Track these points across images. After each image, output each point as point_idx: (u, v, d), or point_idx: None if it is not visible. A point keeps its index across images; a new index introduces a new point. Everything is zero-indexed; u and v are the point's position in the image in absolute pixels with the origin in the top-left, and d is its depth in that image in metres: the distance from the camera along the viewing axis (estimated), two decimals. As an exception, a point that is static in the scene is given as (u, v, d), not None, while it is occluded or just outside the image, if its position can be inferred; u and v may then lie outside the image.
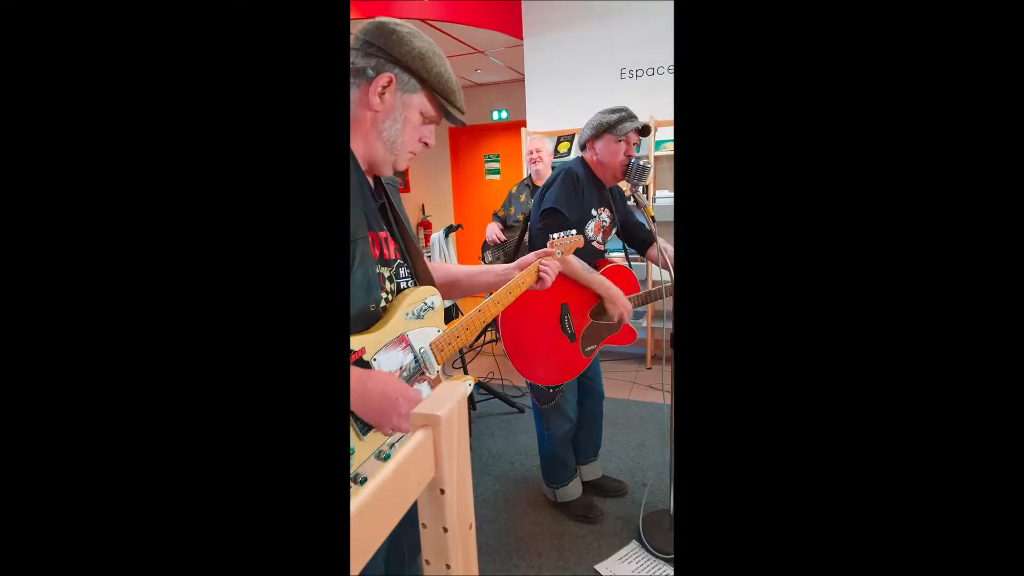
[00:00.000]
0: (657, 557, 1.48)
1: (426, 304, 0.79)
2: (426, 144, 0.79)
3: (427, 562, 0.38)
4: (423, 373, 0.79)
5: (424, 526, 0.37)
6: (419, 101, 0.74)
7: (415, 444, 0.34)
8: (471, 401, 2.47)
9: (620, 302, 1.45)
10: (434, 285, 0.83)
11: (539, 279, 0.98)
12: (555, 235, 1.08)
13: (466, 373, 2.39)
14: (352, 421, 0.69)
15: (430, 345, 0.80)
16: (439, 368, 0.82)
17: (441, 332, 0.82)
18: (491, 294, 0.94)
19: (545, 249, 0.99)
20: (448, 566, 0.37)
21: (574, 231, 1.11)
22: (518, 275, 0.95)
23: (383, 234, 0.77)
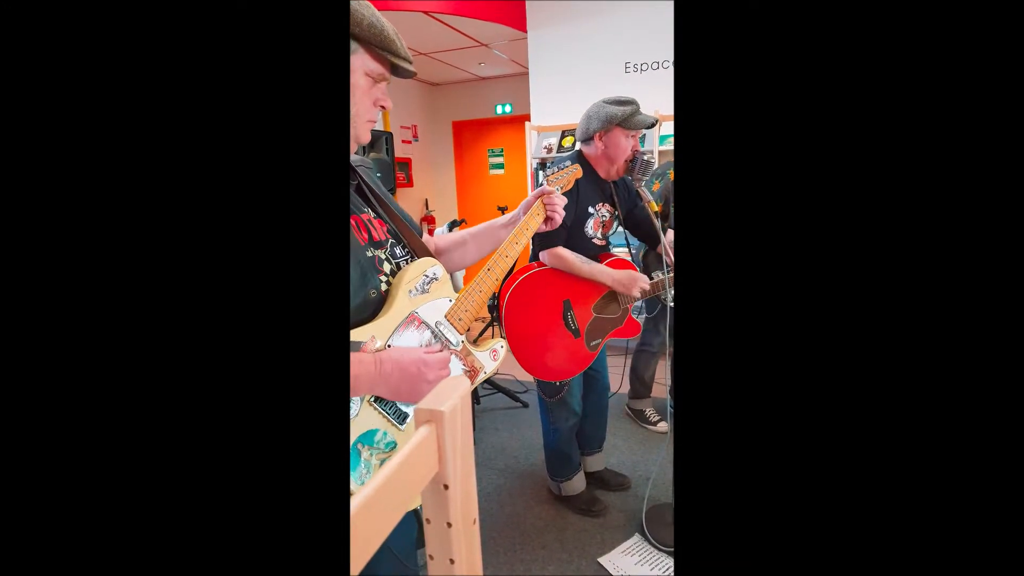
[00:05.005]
0: (660, 550, 1.49)
1: (428, 276, 0.77)
2: (383, 107, 0.73)
3: (431, 557, 0.38)
4: (446, 347, 0.77)
5: (428, 521, 0.37)
6: (360, 62, 0.68)
7: (418, 440, 0.34)
8: (475, 395, 2.48)
9: (627, 282, 1.44)
10: (432, 257, 0.80)
11: (547, 218, 0.90)
12: (550, 170, 1.03)
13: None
14: (386, 413, 0.68)
15: (445, 316, 0.78)
16: (462, 338, 0.80)
17: (453, 301, 0.79)
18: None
19: (543, 188, 0.92)
20: (452, 561, 0.38)
21: (569, 161, 1.05)
22: (522, 220, 0.88)
23: (366, 216, 0.75)
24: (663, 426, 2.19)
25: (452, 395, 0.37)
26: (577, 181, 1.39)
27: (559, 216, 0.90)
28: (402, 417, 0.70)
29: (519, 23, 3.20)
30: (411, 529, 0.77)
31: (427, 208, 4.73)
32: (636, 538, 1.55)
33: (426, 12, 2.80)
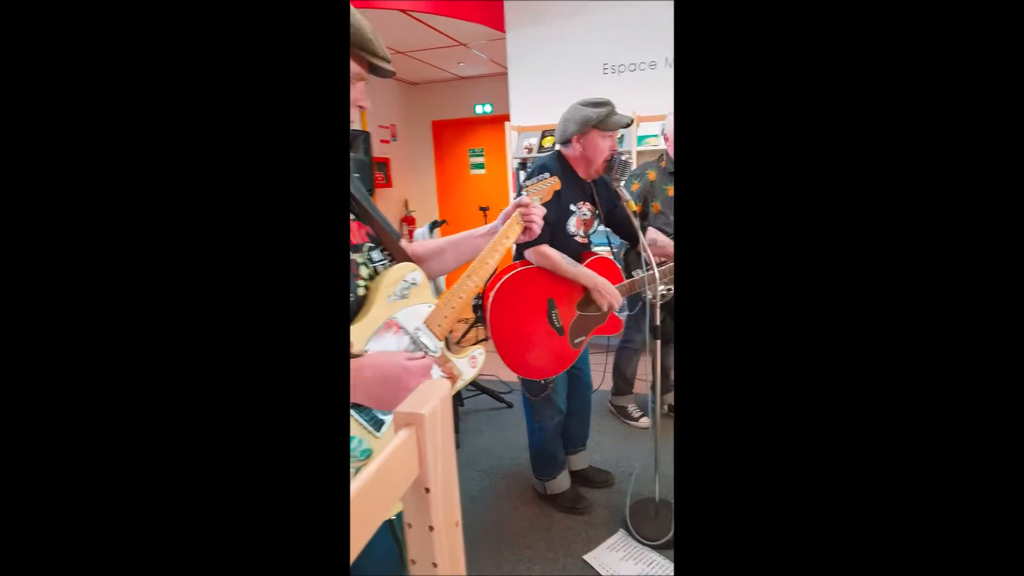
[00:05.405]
0: (644, 544, 1.50)
1: (407, 281, 0.76)
2: (361, 107, 0.72)
3: (413, 561, 0.38)
4: (424, 354, 0.77)
5: (409, 525, 0.37)
6: None
7: (398, 443, 0.33)
8: (459, 397, 2.47)
9: (606, 291, 1.46)
10: (411, 262, 0.79)
11: (525, 229, 0.90)
12: (529, 182, 1.04)
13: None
14: (361, 420, 0.67)
15: (424, 323, 0.77)
16: (442, 345, 0.79)
17: (432, 307, 0.79)
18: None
19: (520, 198, 0.92)
20: (435, 564, 0.37)
21: (547, 174, 1.07)
22: (502, 229, 0.88)
23: None
24: (645, 421, 2.22)
25: (432, 398, 0.36)
26: (558, 179, 1.40)
27: (537, 227, 0.91)
28: (379, 424, 0.69)
29: (497, 23, 3.19)
30: (389, 538, 0.76)
31: (407, 209, 4.69)
32: (620, 534, 1.56)
33: (404, 10, 2.77)
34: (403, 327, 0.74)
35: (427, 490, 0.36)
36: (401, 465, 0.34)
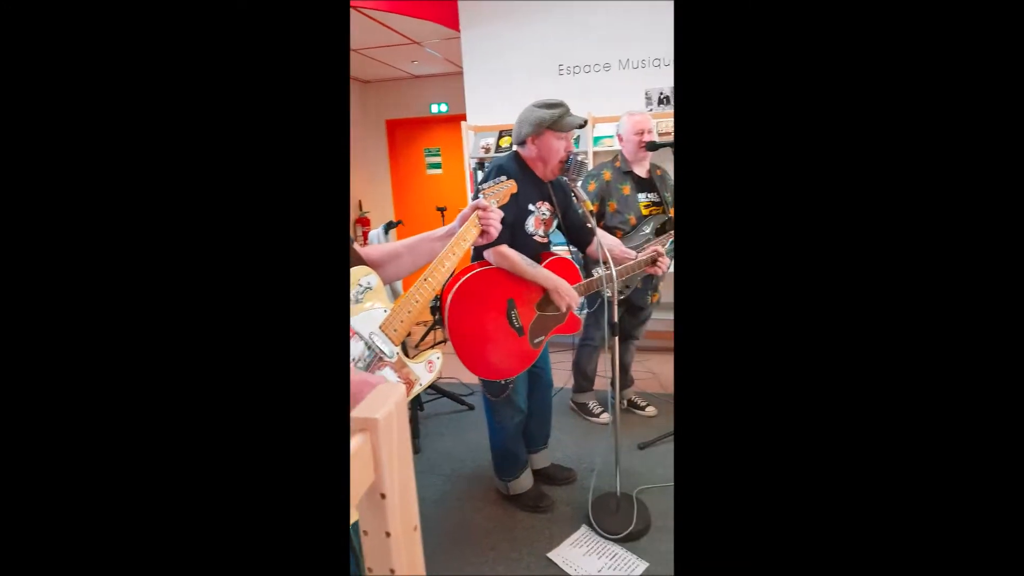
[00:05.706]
0: (606, 538, 1.53)
1: (362, 285, 0.75)
2: None
3: (370, 569, 0.36)
4: (380, 359, 0.75)
5: (365, 533, 0.36)
6: None
7: (352, 450, 0.32)
8: (418, 401, 2.43)
9: (565, 292, 1.48)
10: (365, 265, 0.78)
11: (482, 232, 0.90)
12: (485, 184, 1.05)
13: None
14: None
15: (379, 327, 0.76)
16: (397, 349, 0.78)
17: (388, 311, 0.78)
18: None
19: (478, 201, 0.92)
20: (392, 571, 0.36)
21: (504, 176, 1.08)
22: (459, 232, 0.88)
23: None
24: (605, 417, 2.27)
25: (387, 402, 0.35)
26: (516, 180, 1.40)
27: (495, 230, 0.91)
28: None
29: (451, 22, 3.17)
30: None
31: (361, 210, 4.57)
32: (583, 529, 1.59)
33: (356, 7, 2.70)
34: (358, 332, 0.72)
35: (383, 496, 0.35)
36: (355, 472, 0.32)
